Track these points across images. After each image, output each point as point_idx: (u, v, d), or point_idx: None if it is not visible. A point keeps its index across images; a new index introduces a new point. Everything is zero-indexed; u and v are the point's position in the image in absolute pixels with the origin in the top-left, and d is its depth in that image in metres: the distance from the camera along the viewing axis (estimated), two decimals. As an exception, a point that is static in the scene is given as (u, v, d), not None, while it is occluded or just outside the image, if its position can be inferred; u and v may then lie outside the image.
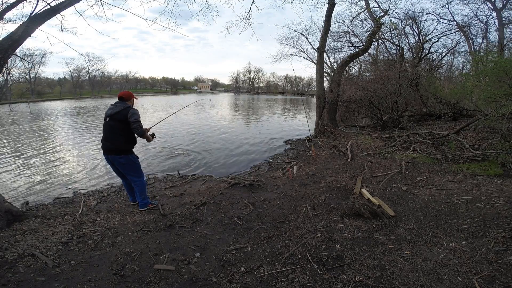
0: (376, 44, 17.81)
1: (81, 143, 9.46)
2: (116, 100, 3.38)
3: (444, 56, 16.76)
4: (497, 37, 14.31)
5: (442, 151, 6.02)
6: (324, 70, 14.45)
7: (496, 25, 14.66)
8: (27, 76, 46.48)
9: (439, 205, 3.35)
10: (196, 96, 62.87)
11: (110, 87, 67.78)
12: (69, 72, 59.03)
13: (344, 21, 17.34)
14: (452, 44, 16.44)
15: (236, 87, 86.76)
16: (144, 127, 3.33)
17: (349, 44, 18.70)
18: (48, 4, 3.49)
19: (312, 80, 66.96)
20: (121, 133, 3.23)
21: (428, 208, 3.30)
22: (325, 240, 2.64)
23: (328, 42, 15.90)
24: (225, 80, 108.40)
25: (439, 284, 1.93)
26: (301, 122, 14.88)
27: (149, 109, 24.64)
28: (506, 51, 12.81)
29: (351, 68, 20.55)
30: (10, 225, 3.04)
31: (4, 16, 3.44)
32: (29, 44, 59.30)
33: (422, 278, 2.01)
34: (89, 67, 60.48)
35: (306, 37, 25.91)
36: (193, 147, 8.74)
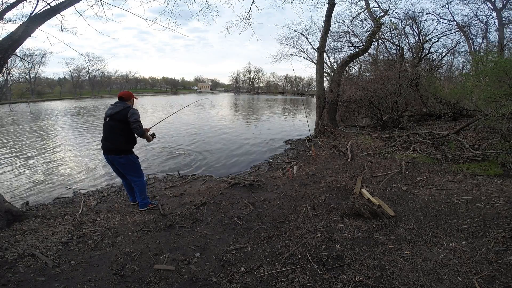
0: (376, 44, 17.82)
1: (81, 143, 9.46)
2: (116, 100, 3.38)
3: (444, 56, 16.79)
4: (497, 37, 14.33)
5: (442, 151, 6.02)
6: (324, 70, 14.46)
7: (496, 25, 14.68)
8: (27, 76, 46.50)
9: (439, 205, 3.35)
10: (196, 96, 62.86)
11: (110, 87, 67.79)
12: (69, 72, 59.14)
13: (344, 21, 17.37)
14: (452, 44, 16.48)
15: (236, 87, 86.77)
16: (144, 127, 3.33)
17: (349, 44, 18.72)
18: (48, 4, 3.49)
19: (312, 80, 67.07)
20: (121, 133, 3.23)
21: (428, 208, 3.30)
22: (325, 240, 2.64)
23: (328, 42, 15.93)
24: (225, 80, 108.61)
25: (439, 284, 1.93)
26: (301, 122, 14.87)
27: (149, 109, 24.64)
28: (506, 51, 12.82)
29: (351, 68, 20.57)
30: (10, 225, 3.05)
31: (4, 16, 3.44)
32: (29, 44, 59.41)
33: (422, 278, 2.01)
34: (89, 67, 60.59)
35: (306, 37, 25.99)
36: (193, 147, 8.74)
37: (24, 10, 9.13)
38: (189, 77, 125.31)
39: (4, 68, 3.40)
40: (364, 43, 10.80)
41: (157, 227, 3.09)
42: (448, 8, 16.33)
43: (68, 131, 12.34)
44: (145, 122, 3.46)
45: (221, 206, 3.67)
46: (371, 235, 2.70)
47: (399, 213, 3.18)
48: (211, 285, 2.10)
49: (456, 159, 5.38)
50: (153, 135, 3.60)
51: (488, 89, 7.34)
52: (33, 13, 3.39)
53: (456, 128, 7.24)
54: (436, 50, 16.38)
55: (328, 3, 9.10)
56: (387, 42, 16.53)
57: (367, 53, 15.56)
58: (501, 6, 14.23)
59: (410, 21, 15.99)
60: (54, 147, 8.85)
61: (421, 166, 5.07)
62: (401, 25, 16.00)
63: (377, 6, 12.02)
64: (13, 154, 7.87)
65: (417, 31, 16.33)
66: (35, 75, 48.78)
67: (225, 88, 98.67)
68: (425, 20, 20.86)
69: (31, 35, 3.43)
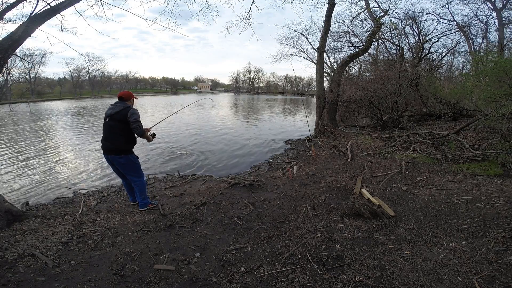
0: (376, 44, 17.82)
1: (81, 143, 9.46)
2: (116, 100, 3.38)
3: (444, 56, 16.79)
4: (497, 37, 14.32)
5: (442, 151, 6.02)
6: (324, 70, 14.46)
7: (496, 25, 14.68)
8: (27, 76, 46.47)
9: (439, 205, 3.35)
10: (197, 96, 62.87)
11: (110, 87, 67.80)
12: (69, 72, 59.11)
13: (344, 21, 17.37)
14: (452, 44, 16.47)
15: (236, 87, 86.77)
16: (144, 127, 3.33)
17: (349, 44, 18.72)
18: (48, 4, 3.49)
19: (312, 80, 67.08)
20: (121, 133, 3.23)
21: (428, 208, 3.30)
22: (325, 240, 2.64)
23: (328, 42, 15.93)
24: (225, 80, 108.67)
25: (439, 284, 1.93)
26: (301, 122, 14.88)
27: (149, 109, 24.64)
28: (506, 51, 12.82)
29: (351, 68, 20.57)
30: (10, 225, 3.05)
31: (4, 16, 3.44)
32: (29, 44, 59.37)
33: (422, 278, 2.01)
34: (89, 67, 60.58)
35: (306, 37, 25.97)
36: (195, 147, 8.74)
37: (24, 10, 9.14)
38: (189, 77, 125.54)
39: (4, 68, 3.40)
40: (364, 43, 10.80)
41: (157, 227, 3.09)
42: (448, 8, 16.35)
43: (68, 131, 12.34)
44: (146, 122, 3.46)
45: (221, 206, 3.67)
46: (371, 235, 2.70)
47: (399, 213, 3.18)
48: (211, 285, 2.10)
49: (456, 159, 5.38)
50: (153, 135, 3.59)
51: (488, 89, 7.34)
52: (33, 13, 3.39)
53: (456, 128, 7.24)
54: (436, 50, 16.41)
55: (328, 3, 9.11)
56: (387, 42, 16.54)
57: (367, 53, 15.56)
58: (501, 6, 14.24)
59: (410, 21, 16.01)
60: (54, 147, 8.85)
61: (421, 166, 5.07)
62: (401, 25, 16.03)
63: (377, 6, 12.04)
64: (13, 154, 7.87)
65: (417, 31, 16.35)
66: (35, 75, 48.80)
67: (225, 88, 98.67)
68: (425, 20, 20.90)
69: (31, 35, 3.43)
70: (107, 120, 3.27)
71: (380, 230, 2.78)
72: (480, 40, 16.10)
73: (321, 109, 9.61)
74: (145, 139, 3.41)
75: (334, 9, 9.29)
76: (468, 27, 15.42)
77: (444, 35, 15.89)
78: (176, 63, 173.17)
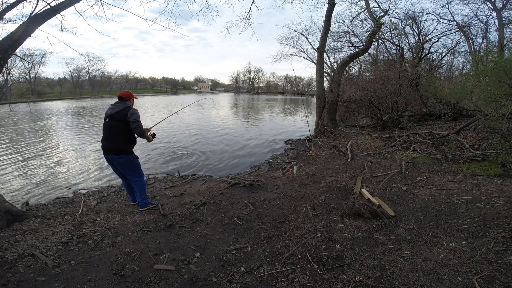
0: (376, 44, 17.81)
1: (81, 143, 9.46)
2: (116, 100, 3.38)
3: (444, 56, 16.78)
4: (497, 37, 14.32)
5: (442, 151, 6.02)
6: (324, 70, 14.45)
7: (496, 25, 14.67)
8: (27, 76, 46.46)
9: (439, 205, 3.35)
10: (197, 96, 62.86)
11: (110, 87, 67.80)
12: (69, 72, 59.12)
13: (344, 21, 17.36)
14: (452, 44, 16.47)
15: (236, 87, 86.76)
16: (144, 127, 3.33)
17: (349, 44, 18.71)
18: (48, 4, 3.49)
19: (312, 80, 67.06)
20: (121, 133, 3.23)
21: (428, 208, 3.30)
22: (325, 240, 2.64)
23: (328, 42, 15.93)
24: (225, 80, 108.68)
25: (439, 284, 1.93)
26: (301, 122, 14.88)
27: (149, 109, 24.64)
28: (506, 51, 12.80)
29: (351, 68, 20.56)
30: (10, 225, 3.05)
31: (4, 16, 3.44)
32: (29, 44, 59.41)
33: (422, 278, 2.01)
34: (89, 67, 60.58)
35: (306, 37, 25.99)
36: (195, 147, 8.74)
37: (24, 10, 9.15)
38: (189, 77, 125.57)
39: (4, 68, 3.40)
40: (364, 43, 10.80)
41: (157, 227, 3.09)
42: (448, 8, 16.36)
43: (69, 131, 12.34)
44: (146, 122, 3.46)
45: (221, 206, 3.67)
46: (371, 235, 2.70)
47: (399, 213, 3.18)
48: (211, 285, 2.10)
49: (456, 159, 5.38)
50: (153, 135, 3.59)
51: (488, 89, 7.34)
52: (33, 13, 3.39)
53: (456, 128, 7.24)
54: (436, 50, 16.40)
55: (328, 3, 9.10)
56: (387, 42, 16.53)
57: (367, 53, 15.55)
58: (501, 6, 14.24)
59: (410, 21, 16.00)
60: (54, 147, 8.85)
61: (421, 166, 5.07)
62: (401, 25, 16.02)
63: (377, 6, 12.03)
64: (14, 154, 7.87)
65: (417, 31, 16.34)
66: (35, 75, 48.81)
67: (225, 88, 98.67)
68: (425, 20, 20.91)
69: (31, 35, 3.43)
70: (107, 120, 3.27)
71: (380, 230, 2.78)
72: (480, 40, 16.13)
73: (321, 109, 9.61)
74: (145, 139, 3.41)
75: (334, 9, 9.30)
76: (468, 27, 15.43)
77: (444, 35, 15.91)
78: (176, 63, 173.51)
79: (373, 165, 5.35)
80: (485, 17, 15.30)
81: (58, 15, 3.70)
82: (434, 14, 17.84)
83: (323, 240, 2.64)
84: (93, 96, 57.54)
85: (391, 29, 15.31)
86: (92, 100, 46.35)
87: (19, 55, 4.49)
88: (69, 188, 5.10)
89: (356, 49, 14.65)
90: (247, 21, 8.90)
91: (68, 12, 7.29)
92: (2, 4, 3.49)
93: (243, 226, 3.08)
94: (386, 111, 9.61)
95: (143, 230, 3.01)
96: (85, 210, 3.65)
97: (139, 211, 3.53)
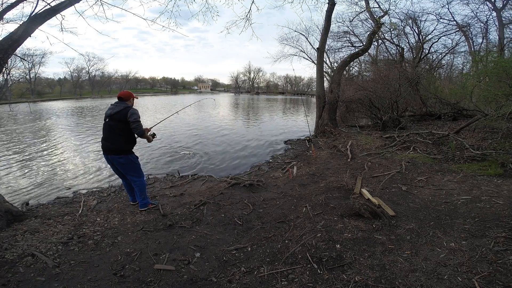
0: (376, 44, 17.82)
1: (81, 143, 9.46)
2: (116, 100, 3.38)
3: (444, 56, 16.78)
4: (497, 37, 14.32)
5: (442, 151, 6.02)
6: (324, 70, 14.46)
7: (496, 25, 14.67)
8: (27, 76, 46.45)
9: (439, 205, 3.35)
10: (197, 96, 62.82)
11: (110, 87, 67.79)
12: (69, 72, 59.12)
13: (344, 21, 17.37)
14: (452, 44, 16.47)
15: (236, 87, 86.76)
16: (144, 127, 3.33)
17: (349, 44, 18.71)
18: (48, 4, 3.49)
19: (312, 80, 67.05)
20: (121, 133, 3.23)
21: (428, 208, 3.30)
22: (325, 240, 2.64)
23: (328, 42, 15.93)
24: (225, 80, 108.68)
25: (439, 284, 1.93)
26: (301, 122, 14.88)
27: (149, 109, 24.63)
28: (506, 51, 12.80)
29: (351, 68, 20.57)
30: (10, 225, 3.05)
31: (4, 16, 3.44)
32: (29, 44, 59.42)
33: (422, 278, 2.01)
34: (89, 67, 60.58)
35: (306, 37, 26.02)
36: (197, 147, 8.73)
37: (24, 10, 9.15)
38: (189, 77, 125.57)
39: (4, 68, 3.40)
40: (364, 43, 10.80)
41: (157, 227, 3.09)
42: (448, 8, 16.35)
43: (69, 131, 12.34)
44: (146, 122, 3.46)
45: (221, 206, 3.67)
46: (371, 235, 2.70)
47: (399, 213, 3.18)
48: (211, 285, 2.10)
49: (456, 159, 5.38)
50: (154, 135, 3.59)
51: (488, 89, 7.34)
52: (33, 13, 3.39)
53: (456, 128, 7.24)
54: (436, 50, 16.40)
55: (328, 3, 9.11)
56: (387, 42, 16.53)
57: (367, 53, 15.55)
58: (501, 6, 14.23)
59: (410, 21, 16.00)
60: (54, 147, 8.85)
61: (421, 166, 5.07)
62: (401, 25, 16.02)
63: (377, 6, 12.03)
64: (14, 155, 7.87)
65: (417, 31, 16.34)
66: (35, 75, 48.80)
67: (225, 88, 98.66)
68: (425, 20, 20.94)
69: (31, 35, 3.43)
70: (107, 120, 3.27)
71: (380, 230, 2.78)
72: (480, 40, 16.12)
73: (321, 109, 9.61)
74: (145, 139, 3.41)
75: (334, 9, 9.30)
76: (468, 27, 15.43)
77: (444, 35, 15.91)
78: (176, 63, 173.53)
79: (373, 165, 5.35)
80: (485, 17, 15.33)
81: (58, 15, 3.71)
82: (434, 14, 17.88)
83: (323, 240, 2.64)
84: (93, 96, 57.55)
85: (391, 29, 15.32)
86: (92, 100, 46.35)
87: (19, 55, 4.49)
88: (69, 188, 5.10)
89: (356, 49, 14.65)
90: (247, 21, 8.90)
91: (68, 12, 7.30)
92: (2, 4, 3.49)
93: (243, 226, 3.08)
94: (386, 111, 9.61)
95: (143, 230, 3.01)
96: (85, 210, 3.65)
97: (139, 211, 3.53)
